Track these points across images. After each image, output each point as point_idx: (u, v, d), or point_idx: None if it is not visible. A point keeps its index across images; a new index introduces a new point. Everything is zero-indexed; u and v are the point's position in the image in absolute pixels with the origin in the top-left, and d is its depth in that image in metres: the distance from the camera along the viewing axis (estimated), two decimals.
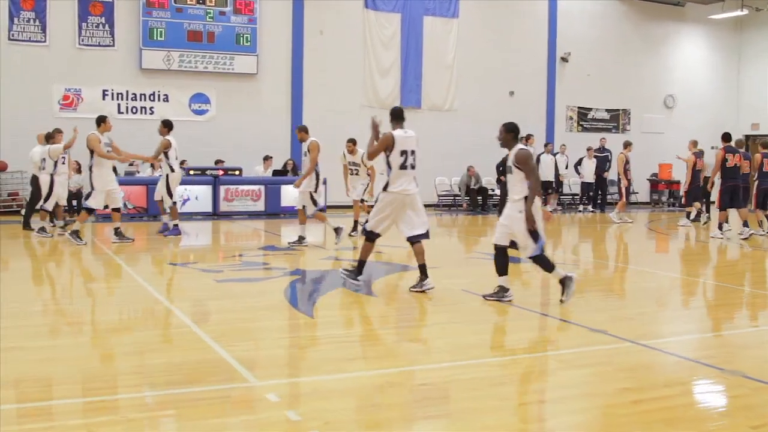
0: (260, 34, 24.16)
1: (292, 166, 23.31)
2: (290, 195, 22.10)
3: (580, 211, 26.72)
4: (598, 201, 26.39)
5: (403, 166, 9.54)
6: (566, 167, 26.32)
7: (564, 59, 28.75)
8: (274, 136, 24.27)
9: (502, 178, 23.67)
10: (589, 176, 26.20)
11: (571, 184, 27.76)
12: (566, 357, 7.16)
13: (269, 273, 12.08)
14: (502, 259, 9.21)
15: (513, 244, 9.19)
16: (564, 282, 9.07)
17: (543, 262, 9.05)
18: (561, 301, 9.09)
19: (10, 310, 8.58)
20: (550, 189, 25.91)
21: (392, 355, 7.29)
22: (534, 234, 8.80)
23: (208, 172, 21.88)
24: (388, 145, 9.45)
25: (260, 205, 22.02)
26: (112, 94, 22.94)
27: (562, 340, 8.07)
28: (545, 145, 26.12)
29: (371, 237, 9.83)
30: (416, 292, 9.84)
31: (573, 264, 13.91)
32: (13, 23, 21.94)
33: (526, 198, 8.76)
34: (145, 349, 7.12)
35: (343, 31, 25.33)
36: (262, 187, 22.05)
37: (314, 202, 14.97)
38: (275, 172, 22.95)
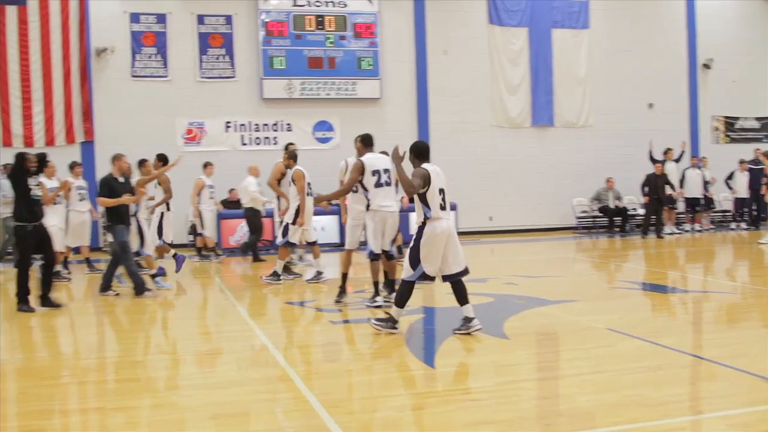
0: (382, 57, 24.04)
1: None
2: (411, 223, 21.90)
3: (732, 228, 25.49)
4: (753, 217, 25.11)
5: (377, 185, 10.49)
6: (707, 182, 25.15)
7: (706, 66, 27.46)
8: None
9: (646, 198, 22.95)
10: (743, 191, 24.97)
11: (722, 200, 26.53)
12: (740, 419, 5.96)
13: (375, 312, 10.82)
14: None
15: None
16: None
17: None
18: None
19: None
20: (698, 206, 24.87)
21: (527, 417, 6.21)
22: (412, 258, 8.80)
23: (334, 202, 21.79)
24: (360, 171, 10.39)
25: None
26: (235, 125, 23.22)
27: (729, 394, 6.74)
28: (691, 159, 25.15)
29: (376, 257, 10.77)
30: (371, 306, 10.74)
31: (730, 291, 12.66)
32: (135, 60, 22.62)
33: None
34: (245, 410, 6.49)
35: (468, 49, 24.99)
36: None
37: (284, 234, 14.17)
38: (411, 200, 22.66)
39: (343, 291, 11.67)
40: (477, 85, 24.94)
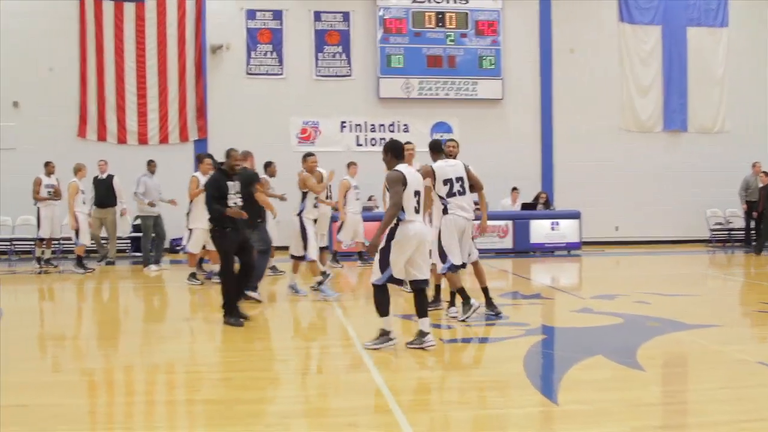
0: (505, 56, 23.31)
1: (545, 199, 22.30)
2: (541, 231, 21.17)
3: None
4: None
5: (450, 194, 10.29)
6: None
7: None
8: (522, 165, 23.28)
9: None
10: None
11: None
12: None
13: (506, 331, 9.69)
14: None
15: None
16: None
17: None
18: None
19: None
20: None
21: None
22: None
23: None
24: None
25: (507, 242, 21.01)
26: (351, 125, 22.88)
27: None
28: None
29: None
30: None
31: None
32: (250, 57, 22.56)
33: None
34: None
35: (596, 47, 24.01)
36: (510, 223, 21.06)
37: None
38: (524, 206, 21.95)
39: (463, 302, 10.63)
40: (605, 87, 23.98)
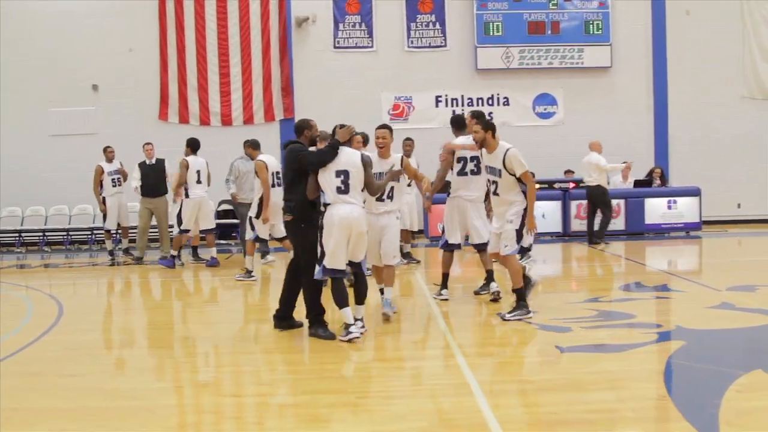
0: (614, 19, 21.81)
1: (660, 175, 20.86)
2: (656, 210, 19.82)
3: None
4: None
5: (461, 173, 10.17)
6: None
7: None
8: (633, 139, 21.82)
9: None
10: None
11: None
12: None
13: (635, 335, 8.35)
14: None
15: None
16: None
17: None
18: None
19: None
20: None
21: None
22: None
23: (556, 185, 20.09)
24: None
25: (619, 223, 19.66)
26: (446, 99, 21.81)
27: None
28: None
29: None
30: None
31: None
32: (338, 30, 21.65)
33: None
34: None
35: (715, 9, 22.17)
36: (622, 201, 19.74)
37: (252, 228, 13.35)
38: (637, 183, 20.60)
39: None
40: (725, 51, 22.25)
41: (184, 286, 13.85)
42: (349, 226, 8.08)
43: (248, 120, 21.16)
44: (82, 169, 18.93)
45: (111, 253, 16.77)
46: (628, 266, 15.37)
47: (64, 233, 20.72)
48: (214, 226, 16.14)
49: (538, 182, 19.63)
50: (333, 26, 21.60)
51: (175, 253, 15.39)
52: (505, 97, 22.00)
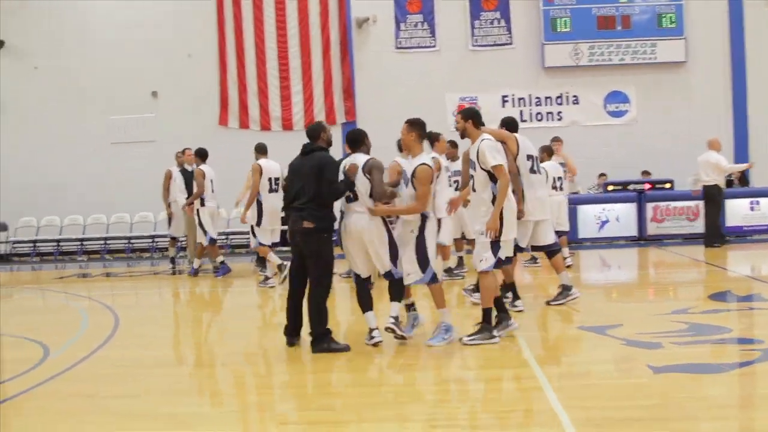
0: (688, 12, 20.92)
1: (738, 176, 19.86)
2: (738, 212, 18.83)
3: None
4: None
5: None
6: None
7: None
8: (710, 136, 20.92)
9: None
10: None
11: None
12: None
13: (735, 353, 7.62)
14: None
15: None
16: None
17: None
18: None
19: None
20: None
21: None
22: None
23: (630, 187, 19.26)
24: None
25: (698, 226, 18.72)
26: (513, 99, 21.19)
27: None
28: None
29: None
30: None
31: None
32: (399, 30, 21.12)
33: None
34: None
35: None
36: (701, 203, 18.86)
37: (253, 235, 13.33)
38: None
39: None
40: None
41: (244, 298, 13.34)
42: (353, 235, 8.01)
43: (309, 124, 20.55)
44: (142, 176, 18.66)
45: (172, 260, 16.27)
46: (711, 272, 14.44)
47: (126, 241, 20.47)
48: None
49: (612, 183, 19.14)
50: (394, 26, 21.14)
51: (198, 263, 15.24)
52: (574, 96, 21.29)
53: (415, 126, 8.14)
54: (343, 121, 20.85)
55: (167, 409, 6.34)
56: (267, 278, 13.28)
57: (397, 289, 8.15)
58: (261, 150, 13.67)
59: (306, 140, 8.41)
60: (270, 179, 13.08)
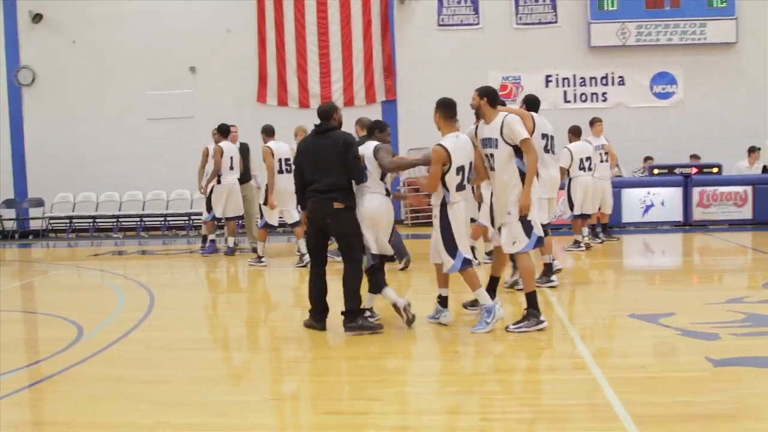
0: None
1: None
2: None
3: None
4: None
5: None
6: None
7: None
8: (761, 120, 20.24)
9: None
10: None
11: None
12: None
13: None
14: None
15: None
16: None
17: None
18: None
19: None
20: None
21: None
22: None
23: (677, 171, 18.69)
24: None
25: (746, 212, 18.13)
26: (557, 80, 20.64)
27: None
28: None
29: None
30: None
31: None
32: (442, 6, 20.63)
33: None
34: None
35: None
36: (749, 189, 18.17)
37: (261, 215, 13.56)
38: (765, 169, 19.05)
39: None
40: None
41: (281, 279, 13.04)
42: (370, 216, 7.98)
43: (348, 102, 20.36)
44: (179, 153, 18.42)
45: (204, 239, 15.92)
46: (763, 260, 13.94)
47: (162, 218, 20.29)
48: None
49: (657, 167, 18.59)
50: (437, 3, 20.68)
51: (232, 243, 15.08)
52: (620, 77, 20.70)
53: (439, 107, 7.92)
54: (383, 99, 20.50)
55: (200, 397, 6.05)
56: (260, 258, 13.50)
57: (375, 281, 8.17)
58: (269, 132, 13.60)
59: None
60: (280, 160, 13.17)
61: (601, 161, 14.95)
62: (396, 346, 7.57)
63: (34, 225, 21.21)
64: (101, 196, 20.88)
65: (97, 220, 20.66)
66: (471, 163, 7.82)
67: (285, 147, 13.35)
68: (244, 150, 15.47)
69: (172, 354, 7.52)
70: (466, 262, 7.78)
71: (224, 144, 14.65)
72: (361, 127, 11.68)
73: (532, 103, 10.05)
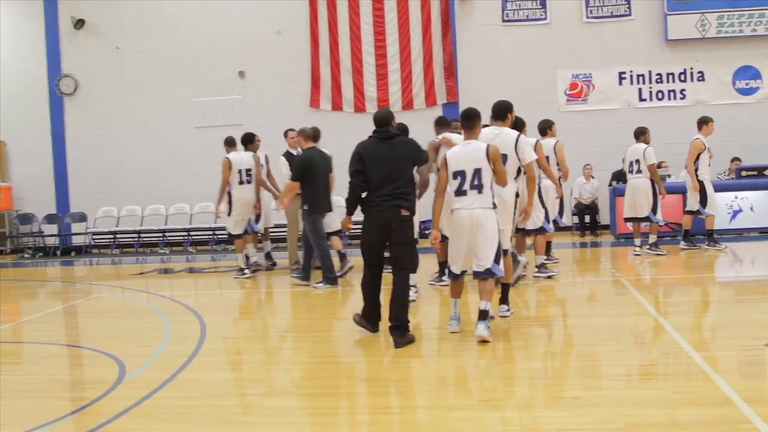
0: None
1: None
2: None
3: None
4: None
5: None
6: None
7: None
8: None
9: None
10: None
11: None
12: None
13: None
14: None
15: None
16: None
17: None
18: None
19: None
20: None
21: None
22: None
23: (766, 172, 17.21)
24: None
25: None
26: (631, 77, 19.31)
27: None
28: None
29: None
30: None
31: None
32: (507, 2, 19.36)
33: None
34: None
35: None
36: None
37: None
38: None
39: None
40: None
41: (330, 299, 11.70)
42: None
43: (407, 105, 19.22)
44: None
45: (268, 255, 14.69)
46: None
47: (210, 233, 19.15)
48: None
49: (746, 168, 17.16)
50: None
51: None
52: (699, 72, 19.28)
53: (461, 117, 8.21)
54: (445, 101, 19.29)
55: None
56: (241, 269, 13.46)
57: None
58: (230, 143, 13.73)
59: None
60: (240, 171, 13.30)
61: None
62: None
63: (77, 241, 20.36)
64: (146, 209, 20.04)
65: (142, 235, 19.70)
66: (478, 170, 7.64)
67: (245, 157, 13.47)
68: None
69: (234, 399, 6.22)
70: (451, 274, 8.04)
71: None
72: (305, 138, 11.99)
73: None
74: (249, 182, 13.32)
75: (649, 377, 6.50)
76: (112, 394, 6.48)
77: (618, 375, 6.48)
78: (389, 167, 7.87)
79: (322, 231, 11.93)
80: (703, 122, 14.49)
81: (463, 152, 7.78)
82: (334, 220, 12.61)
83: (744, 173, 17.29)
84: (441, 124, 10.90)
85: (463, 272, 8.04)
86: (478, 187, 7.64)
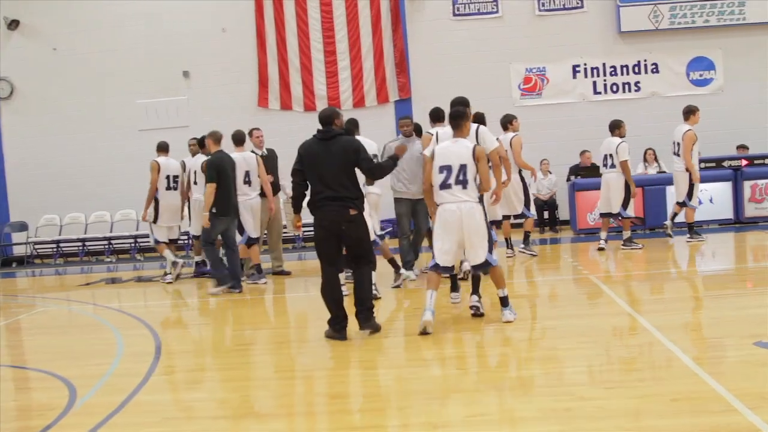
0: None
1: None
2: None
3: None
4: None
5: None
6: None
7: None
8: None
9: None
10: None
11: None
12: None
13: None
14: None
15: None
16: None
17: None
18: None
19: None
20: None
21: None
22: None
23: (725, 164, 17.12)
24: None
25: None
26: (585, 70, 19.30)
27: None
28: None
29: None
30: None
31: None
32: None
33: None
34: None
35: None
36: None
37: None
38: None
39: None
40: None
41: (297, 305, 11.20)
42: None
43: (359, 103, 18.96)
44: None
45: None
46: None
47: None
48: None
49: (704, 160, 16.97)
50: None
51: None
52: (653, 64, 19.35)
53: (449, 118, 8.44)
54: (397, 98, 18.99)
55: None
56: (166, 274, 13.65)
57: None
58: (161, 148, 13.75)
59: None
60: (168, 177, 13.44)
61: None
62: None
63: (18, 251, 19.73)
64: (90, 216, 19.48)
65: (87, 243, 18.98)
66: (463, 166, 7.91)
67: (174, 164, 13.58)
68: (273, 156, 13.72)
69: (196, 426, 5.67)
70: (434, 266, 8.10)
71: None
72: (214, 141, 11.87)
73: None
74: (175, 188, 13.46)
75: (642, 382, 6.09)
76: (61, 422, 5.92)
77: (610, 382, 6.10)
78: (327, 167, 7.88)
79: (216, 236, 11.70)
80: (690, 112, 14.38)
81: (451, 148, 8.03)
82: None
83: (702, 165, 17.11)
84: (435, 119, 10.47)
85: (452, 267, 8.33)
86: (463, 183, 7.88)
